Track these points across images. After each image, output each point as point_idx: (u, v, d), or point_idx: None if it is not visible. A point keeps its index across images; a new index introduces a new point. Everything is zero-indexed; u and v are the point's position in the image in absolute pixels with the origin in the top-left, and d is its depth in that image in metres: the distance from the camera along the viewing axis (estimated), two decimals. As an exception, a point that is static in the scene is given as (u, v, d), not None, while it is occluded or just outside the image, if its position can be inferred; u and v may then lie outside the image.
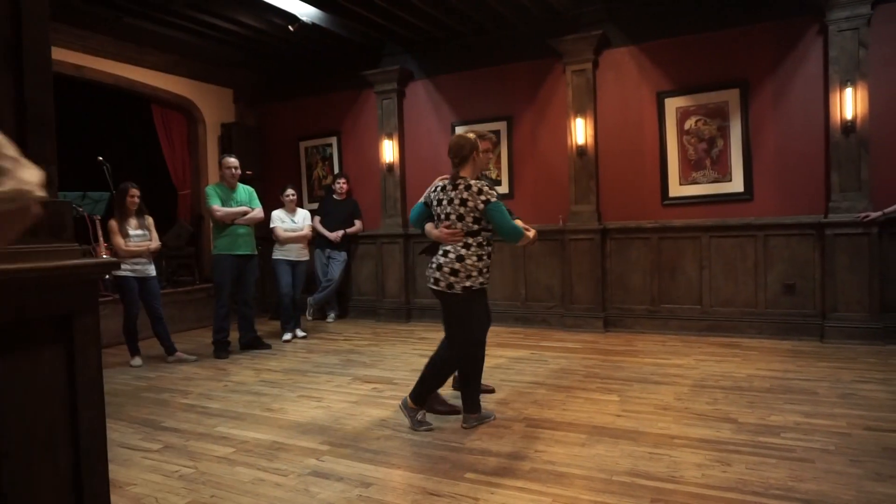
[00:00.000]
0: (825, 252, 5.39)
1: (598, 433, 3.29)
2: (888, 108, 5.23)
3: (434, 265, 3.41)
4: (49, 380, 1.30)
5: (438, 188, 3.46)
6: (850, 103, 5.22)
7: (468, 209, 3.31)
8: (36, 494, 1.27)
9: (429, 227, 3.53)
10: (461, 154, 3.40)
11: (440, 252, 3.42)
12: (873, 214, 5.11)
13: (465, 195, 3.32)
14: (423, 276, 6.94)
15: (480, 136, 3.63)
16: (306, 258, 6.53)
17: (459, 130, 7.05)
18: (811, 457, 2.86)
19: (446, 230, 3.36)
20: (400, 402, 3.59)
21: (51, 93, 1.37)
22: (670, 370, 4.60)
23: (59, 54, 6.10)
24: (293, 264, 6.38)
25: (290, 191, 6.54)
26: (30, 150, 1.32)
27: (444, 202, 3.38)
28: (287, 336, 6.32)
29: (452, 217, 3.35)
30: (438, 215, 3.44)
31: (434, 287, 3.42)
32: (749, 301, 5.79)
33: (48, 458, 1.29)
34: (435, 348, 3.56)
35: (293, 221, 6.46)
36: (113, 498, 2.56)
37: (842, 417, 3.40)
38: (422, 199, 3.57)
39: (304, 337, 6.43)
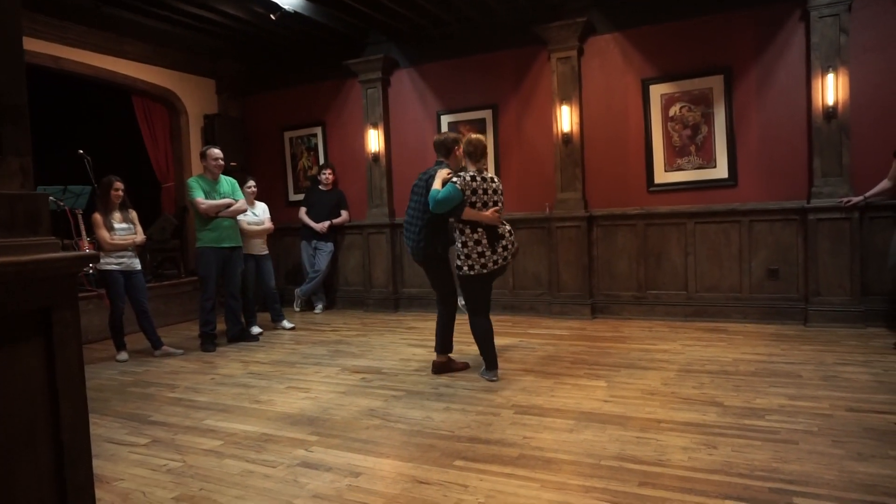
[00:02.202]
0: (808, 237, 5.45)
1: (585, 419, 3.32)
2: (868, 94, 5.28)
3: (512, 246, 4.11)
4: (28, 375, 1.28)
5: (477, 178, 4.02)
6: (831, 89, 5.26)
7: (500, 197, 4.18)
8: (16, 491, 1.26)
9: (475, 212, 3.98)
10: (485, 151, 4.18)
11: (507, 233, 4.11)
12: (855, 199, 5.16)
13: (500, 187, 4.18)
14: (411, 265, 7.02)
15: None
16: (266, 251, 6.36)
17: (445, 119, 7.05)
18: (795, 438, 2.91)
19: (498, 214, 4.05)
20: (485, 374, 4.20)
21: (23, 81, 1.34)
22: (657, 355, 4.64)
23: (37, 46, 6.00)
24: (257, 259, 6.24)
25: (251, 182, 6.37)
26: (3, 142, 1.30)
27: (490, 191, 4.06)
28: (256, 329, 6.16)
29: (500, 204, 4.11)
30: (485, 203, 4.02)
31: (504, 263, 4.10)
32: (734, 286, 5.84)
33: (29, 454, 1.27)
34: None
35: (254, 214, 6.28)
36: (100, 493, 2.56)
37: (825, 399, 3.45)
38: (458, 187, 3.94)
39: (291, 328, 6.41)
